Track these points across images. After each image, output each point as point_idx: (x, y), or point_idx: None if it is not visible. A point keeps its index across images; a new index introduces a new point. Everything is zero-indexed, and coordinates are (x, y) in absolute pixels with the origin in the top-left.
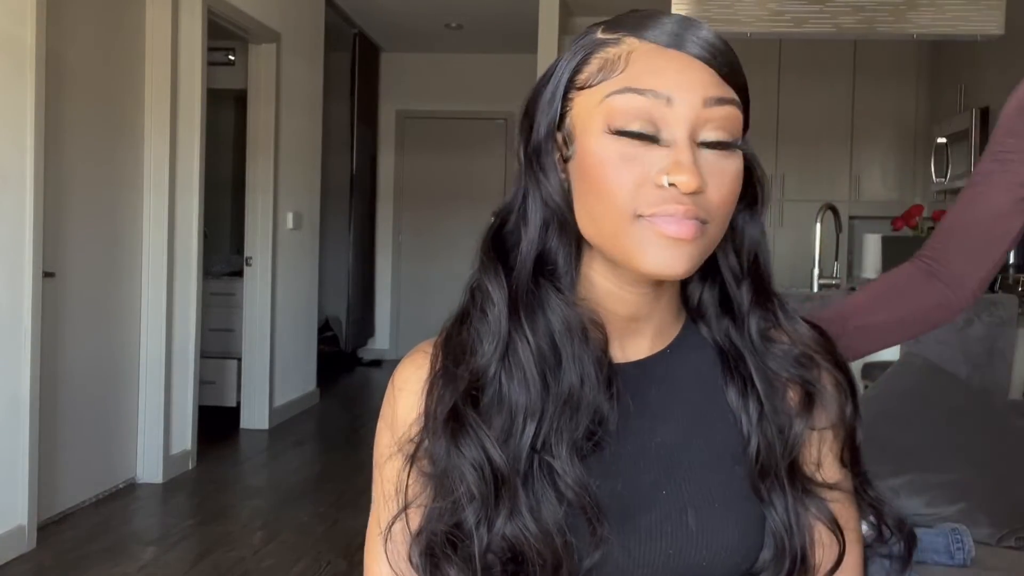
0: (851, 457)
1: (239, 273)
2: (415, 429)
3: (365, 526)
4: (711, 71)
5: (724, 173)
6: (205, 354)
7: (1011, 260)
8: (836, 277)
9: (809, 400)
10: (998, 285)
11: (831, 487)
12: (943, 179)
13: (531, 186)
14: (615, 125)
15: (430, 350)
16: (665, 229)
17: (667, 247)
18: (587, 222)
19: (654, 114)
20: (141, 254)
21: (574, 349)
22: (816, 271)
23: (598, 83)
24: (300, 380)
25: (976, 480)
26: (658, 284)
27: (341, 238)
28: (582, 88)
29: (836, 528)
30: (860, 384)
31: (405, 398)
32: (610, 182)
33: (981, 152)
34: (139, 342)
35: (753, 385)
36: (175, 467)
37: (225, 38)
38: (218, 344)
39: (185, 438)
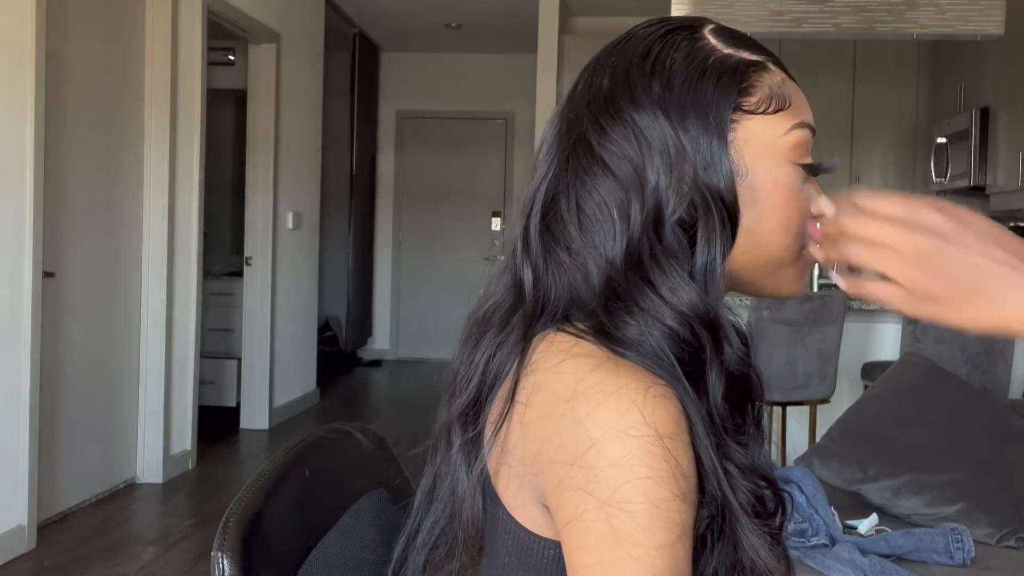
0: None
1: (239, 273)
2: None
3: None
4: None
5: None
6: (205, 354)
7: None
8: None
9: None
10: None
11: None
12: (943, 179)
13: (713, 211)
14: (798, 159)
15: (659, 390)
16: (815, 258)
17: (807, 275)
18: (746, 248)
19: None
20: (141, 254)
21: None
22: (816, 271)
23: (773, 112)
24: (300, 380)
25: (976, 480)
26: None
27: (341, 238)
28: (753, 113)
29: None
30: (860, 383)
31: (685, 449)
32: (797, 215)
33: (981, 152)
34: (139, 342)
35: None
36: (175, 467)
37: (225, 38)
38: (218, 344)
39: (185, 438)
